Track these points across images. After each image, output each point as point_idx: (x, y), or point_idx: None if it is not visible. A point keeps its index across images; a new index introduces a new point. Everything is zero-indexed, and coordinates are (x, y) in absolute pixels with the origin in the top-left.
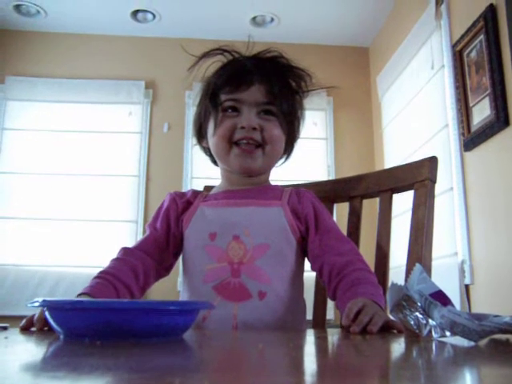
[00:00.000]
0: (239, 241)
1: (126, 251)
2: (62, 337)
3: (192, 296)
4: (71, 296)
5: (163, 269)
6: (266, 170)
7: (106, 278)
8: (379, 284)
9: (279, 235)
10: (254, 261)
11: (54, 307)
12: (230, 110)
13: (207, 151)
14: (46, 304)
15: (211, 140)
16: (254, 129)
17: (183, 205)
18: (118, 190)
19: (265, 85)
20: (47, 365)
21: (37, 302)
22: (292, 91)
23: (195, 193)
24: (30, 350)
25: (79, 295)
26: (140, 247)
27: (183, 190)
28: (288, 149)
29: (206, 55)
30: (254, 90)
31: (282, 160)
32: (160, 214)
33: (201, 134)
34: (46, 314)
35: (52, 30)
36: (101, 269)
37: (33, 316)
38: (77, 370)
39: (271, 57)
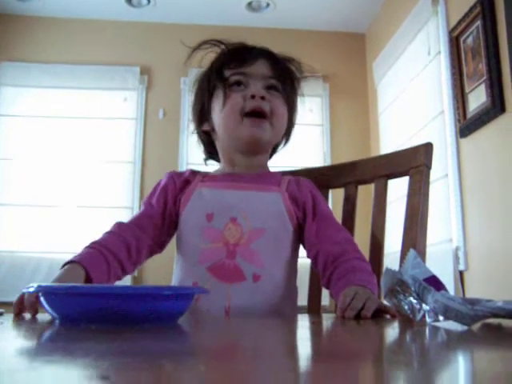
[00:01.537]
0: (236, 223)
1: (119, 226)
2: (57, 322)
3: (185, 276)
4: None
5: (157, 246)
6: (271, 145)
7: (98, 249)
8: (374, 271)
9: (276, 220)
10: (250, 243)
11: (49, 292)
12: (236, 85)
13: (205, 137)
14: (41, 289)
15: (219, 115)
16: (263, 98)
17: (181, 184)
18: (114, 176)
19: (269, 60)
20: (43, 349)
21: (32, 287)
22: (291, 75)
23: (194, 173)
24: (26, 334)
25: (68, 263)
26: (135, 222)
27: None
28: (286, 133)
29: (201, 45)
30: (260, 64)
31: (281, 145)
32: (157, 191)
33: (202, 117)
34: (41, 299)
35: (47, 14)
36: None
37: (20, 301)
38: (72, 354)
39: (259, 47)
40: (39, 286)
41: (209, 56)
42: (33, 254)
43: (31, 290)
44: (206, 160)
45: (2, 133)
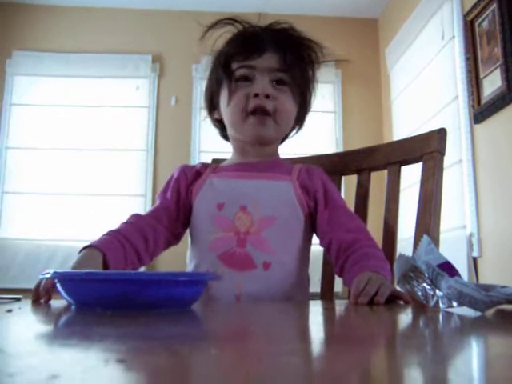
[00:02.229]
0: (246, 211)
1: (136, 217)
2: (73, 307)
3: (198, 265)
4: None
5: (173, 237)
6: (277, 140)
7: (116, 237)
8: (387, 257)
9: (287, 209)
10: (261, 232)
11: (65, 279)
12: (242, 80)
13: (218, 124)
14: (57, 275)
15: (225, 110)
16: (267, 97)
17: (193, 176)
18: (127, 164)
19: (278, 52)
20: (60, 333)
21: (48, 273)
22: (304, 62)
23: (204, 165)
24: (43, 319)
25: (86, 247)
26: (151, 214)
27: (192, 164)
28: (299, 120)
29: (216, 25)
30: (267, 56)
31: (294, 131)
32: (170, 184)
33: (212, 106)
34: (58, 285)
35: (59, 3)
36: None
37: (37, 287)
38: (88, 338)
39: (282, 28)
40: (55, 272)
41: (224, 37)
42: (48, 241)
43: (47, 275)
44: (222, 137)
45: (16, 122)
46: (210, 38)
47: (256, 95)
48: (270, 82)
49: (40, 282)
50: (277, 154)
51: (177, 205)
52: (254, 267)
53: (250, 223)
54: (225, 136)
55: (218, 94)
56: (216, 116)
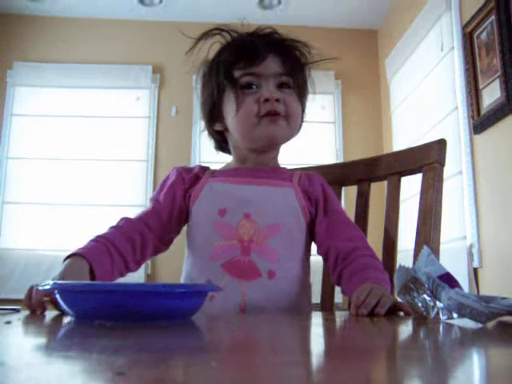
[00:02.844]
0: (250, 219)
1: (125, 221)
2: (72, 318)
3: (198, 273)
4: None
5: (162, 243)
6: (287, 142)
7: (104, 243)
8: (386, 268)
9: (290, 216)
10: (265, 240)
11: (65, 290)
12: (248, 87)
13: (217, 135)
14: (57, 287)
15: (233, 119)
16: (277, 100)
17: (190, 180)
18: (127, 174)
19: (278, 57)
20: (59, 345)
21: (48, 284)
22: (300, 63)
23: (202, 168)
24: (42, 331)
25: (71, 255)
26: (141, 219)
27: (189, 166)
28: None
29: (204, 36)
30: (270, 62)
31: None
32: (164, 187)
33: (213, 118)
34: (57, 296)
35: (59, 14)
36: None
37: (29, 298)
38: (88, 350)
39: (271, 32)
40: (55, 284)
41: (213, 50)
42: (48, 251)
43: (47, 287)
44: (217, 150)
45: (17, 132)
46: (202, 47)
47: (266, 100)
48: (275, 86)
49: (30, 293)
50: (276, 161)
51: (170, 211)
52: (259, 276)
53: (254, 231)
54: (221, 148)
55: (219, 103)
56: (218, 127)
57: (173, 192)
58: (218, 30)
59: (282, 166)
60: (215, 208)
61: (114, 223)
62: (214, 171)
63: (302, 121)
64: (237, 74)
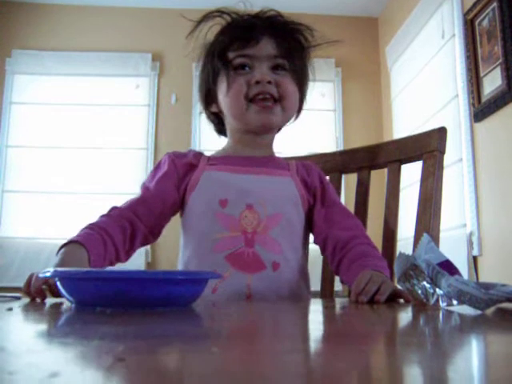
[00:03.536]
0: (253, 210)
1: (117, 211)
2: (72, 305)
3: (198, 264)
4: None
5: (151, 235)
6: (283, 126)
7: (98, 232)
8: (386, 255)
9: (290, 206)
10: (268, 231)
11: (65, 277)
12: (241, 68)
13: (214, 118)
14: (57, 274)
15: (224, 100)
16: (269, 82)
17: (184, 168)
18: (127, 162)
19: (274, 39)
20: (59, 331)
21: (48, 271)
22: (299, 46)
23: (197, 155)
24: (43, 318)
25: (68, 243)
26: (131, 208)
27: (182, 151)
28: (298, 108)
29: (205, 19)
30: (264, 44)
31: (292, 119)
32: (156, 175)
33: (208, 99)
34: (58, 283)
35: (58, 2)
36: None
37: (28, 286)
38: (88, 337)
39: (272, 15)
40: (55, 271)
41: (212, 34)
42: (48, 240)
43: (47, 274)
44: (217, 133)
45: (17, 120)
46: (201, 31)
47: (257, 82)
48: (269, 68)
49: (29, 281)
50: (272, 148)
51: (161, 201)
52: (264, 268)
53: (257, 222)
54: (220, 131)
55: (215, 85)
56: (213, 109)
57: (164, 182)
58: (219, 12)
59: (278, 153)
60: (215, 198)
61: (105, 212)
62: (210, 158)
63: (302, 107)
64: (231, 55)
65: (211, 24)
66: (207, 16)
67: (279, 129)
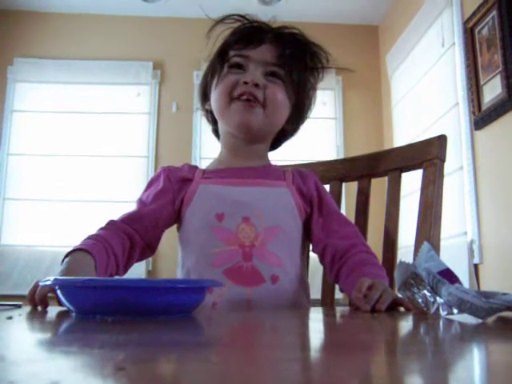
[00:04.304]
0: (249, 223)
1: (114, 224)
2: (73, 314)
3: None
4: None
5: (148, 249)
6: (266, 133)
7: (101, 242)
8: (387, 264)
9: (288, 217)
10: (266, 244)
11: (66, 285)
12: (236, 67)
13: (209, 116)
14: (58, 282)
15: (213, 95)
16: (257, 85)
17: (179, 183)
18: (128, 170)
19: (276, 46)
20: (60, 340)
21: (48, 280)
22: (302, 62)
23: (192, 168)
24: (43, 326)
25: (74, 251)
26: (128, 222)
27: (177, 165)
28: (293, 124)
29: (224, 19)
30: (264, 49)
31: (287, 137)
32: (151, 190)
33: (205, 96)
34: (58, 292)
35: (60, 10)
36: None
37: (33, 295)
38: (89, 346)
39: (289, 33)
40: (56, 280)
41: (219, 43)
42: (49, 248)
43: (48, 283)
44: (215, 135)
45: (18, 128)
46: (210, 39)
47: (245, 83)
48: (263, 74)
49: (34, 289)
50: (267, 157)
51: (156, 216)
52: (263, 281)
53: (255, 235)
54: (216, 131)
55: (211, 81)
56: (207, 106)
57: (160, 197)
58: (237, 15)
59: (277, 161)
60: (212, 212)
61: (103, 225)
62: (205, 171)
63: (301, 120)
64: (230, 54)
65: (224, 28)
66: (227, 17)
67: (274, 147)
